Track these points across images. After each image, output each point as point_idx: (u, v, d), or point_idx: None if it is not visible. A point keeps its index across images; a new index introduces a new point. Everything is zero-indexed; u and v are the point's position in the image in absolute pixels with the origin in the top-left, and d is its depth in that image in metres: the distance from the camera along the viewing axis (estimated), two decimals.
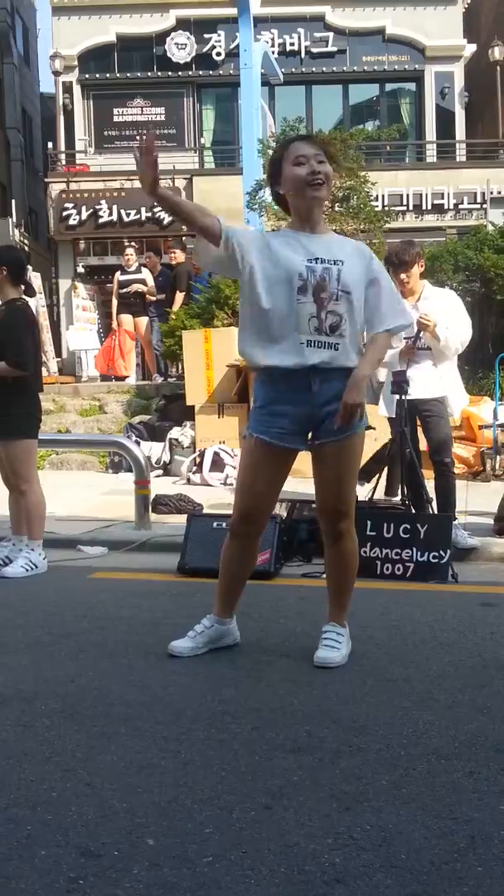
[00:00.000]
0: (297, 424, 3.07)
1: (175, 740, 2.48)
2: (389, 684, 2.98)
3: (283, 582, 4.74)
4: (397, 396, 5.19)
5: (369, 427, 3.27)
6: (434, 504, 5.24)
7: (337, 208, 12.08)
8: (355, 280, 3.04)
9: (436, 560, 4.74)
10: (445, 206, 19.12)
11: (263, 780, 2.23)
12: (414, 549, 4.78)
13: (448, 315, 5.25)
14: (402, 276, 5.23)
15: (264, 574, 4.71)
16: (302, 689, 2.92)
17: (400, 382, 5.19)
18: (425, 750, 2.41)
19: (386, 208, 14.58)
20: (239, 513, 3.19)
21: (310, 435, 3.12)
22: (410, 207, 18.94)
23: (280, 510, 5.42)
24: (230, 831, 1.96)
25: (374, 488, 5.44)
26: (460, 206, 19.14)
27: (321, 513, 3.23)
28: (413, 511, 5.20)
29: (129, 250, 12.99)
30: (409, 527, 4.83)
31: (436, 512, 5.20)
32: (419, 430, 5.44)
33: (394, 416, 5.31)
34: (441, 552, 4.74)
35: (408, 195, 18.90)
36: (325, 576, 3.45)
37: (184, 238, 17.69)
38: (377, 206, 13.60)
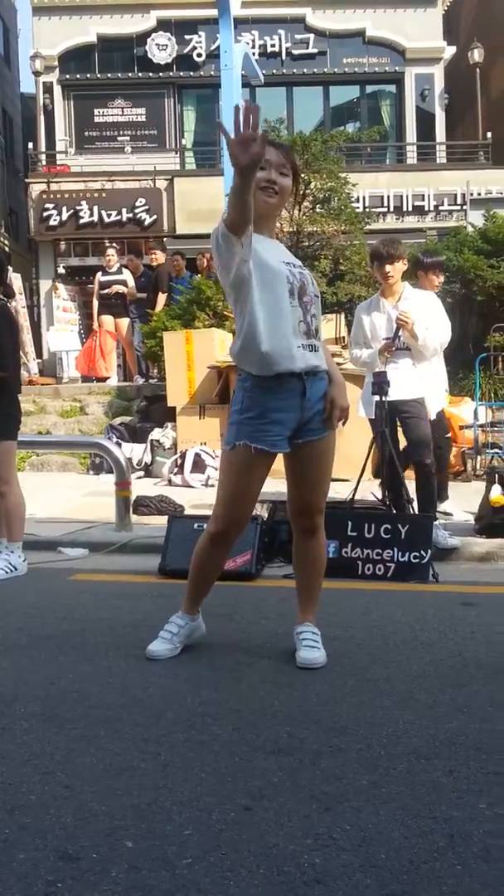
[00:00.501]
0: (288, 429, 3.05)
1: (155, 742, 2.47)
2: (370, 684, 2.98)
3: (265, 583, 4.74)
4: (377, 397, 5.20)
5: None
6: (414, 504, 5.26)
7: (318, 210, 12.13)
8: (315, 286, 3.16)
9: (416, 560, 4.75)
10: (426, 208, 19.22)
11: (243, 781, 2.22)
12: (395, 550, 4.79)
13: (427, 315, 5.27)
14: (388, 268, 5.24)
15: (245, 575, 4.71)
16: (282, 690, 2.92)
17: (381, 383, 5.20)
18: (405, 749, 2.41)
19: (366, 210, 14.66)
20: (228, 522, 3.13)
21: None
22: (391, 209, 19.03)
23: (261, 511, 5.41)
24: (210, 833, 1.96)
25: (355, 489, 5.45)
26: (440, 208, 19.24)
27: (297, 511, 3.22)
28: (394, 511, 5.22)
29: (111, 251, 12.97)
30: (389, 527, 4.84)
31: (416, 512, 5.21)
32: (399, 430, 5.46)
33: (373, 418, 5.31)
34: (422, 552, 4.75)
35: (388, 197, 18.99)
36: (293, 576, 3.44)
37: (164, 239, 17.72)
38: (358, 208, 13.64)
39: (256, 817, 2.03)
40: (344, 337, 9.62)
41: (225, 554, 3.28)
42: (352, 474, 6.42)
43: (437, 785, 2.20)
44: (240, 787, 2.19)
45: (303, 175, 11.91)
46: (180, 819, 2.02)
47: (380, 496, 5.42)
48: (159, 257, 12.57)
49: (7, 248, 20.73)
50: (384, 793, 2.16)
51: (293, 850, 1.89)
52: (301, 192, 12.03)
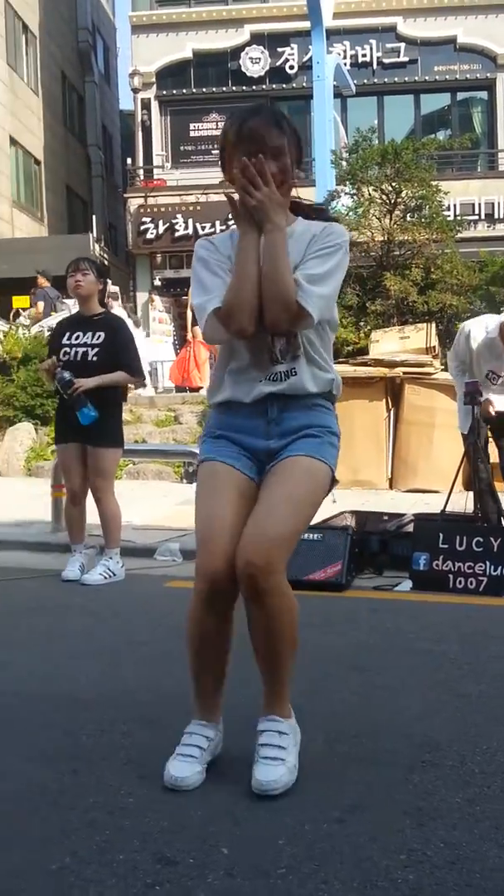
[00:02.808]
0: (248, 450, 2.40)
1: (249, 750, 2.49)
2: (463, 699, 2.95)
3: (355, 594, 4.74)
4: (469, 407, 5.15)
5: (335, 481, 2.46)
6: None
7: (409, 218, 12.04)
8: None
9: None
10: None
11: (336, 793, 2.24)
12: (487, 563, 4.72)
13: None
14: None
15: (336, 586, 4.72)
16: (374, 703, 2.92)
17: (472, 393, 5.15)
18: (500, 767, 2.39)
19: (458, 218, 14.45)
20: (204, 561, 2.30)
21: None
22: (482, 216, 18.73)
23: (350, 522, 5.42)
24: (303, 843, 1.98)
25: (447, 501, 5.40)
26: None
27: (237, 553, 2.22)
28: (486, 524, 5.15)
29: None
30: (481, 540, 4.78)
31: None
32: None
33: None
34: None
35: (479, 204, 18.72)
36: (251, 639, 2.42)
37: None
38: (449, 216, 13.49)
39: (349, 830, 2.05)
40: (434, 346, 9.52)
41: (217, 621, 2.36)
42: (443, 486, 6.37)
43: None
44: (332, 799, 2.20)
45: (394, 183, 11.85)
46: (274, 828, 2.05)
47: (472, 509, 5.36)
48: None
49: (106, 262, 21.22)
50: (478, 811, 2.14)
51: (386, 864, 1.90)
52: (392, 201, 11.97)
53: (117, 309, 15.04)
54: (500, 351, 5.22)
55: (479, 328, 5.35)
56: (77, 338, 5.00)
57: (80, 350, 4.95)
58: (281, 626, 2.28)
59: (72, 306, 14.11)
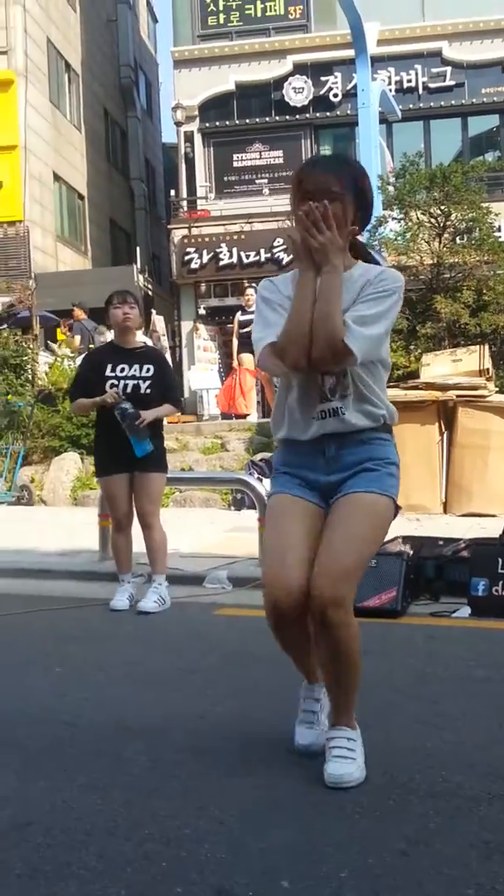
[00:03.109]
0: (312, 483, 2.58)
1: (305, 781, 2.43)
2: None
3: (411, 621, 4.63)
4: None
5: (398, 507, 2.60)
6: None
7: (459, 241, 11.96)
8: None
9: None
10: None
11: (398, 825, 2.16)
12: None
13: None
14: None
15: (391, 612, 4.62)
16: (433, 731, 2.83)
17: None
18: None
19: None
20: (271, 587, 2.47)
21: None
22: None
23: (405, 547, 5.32)
24: (366, 876, 1.90)
25: None
26: None
27: (311, 588, 2.39)
28: None
29: (250, 291, 13.21)
30: None
31: None
32: None
33: None
34: None
35: None
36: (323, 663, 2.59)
37: None
38: (500, 237, 13.36)
39: (413, 863, 1.97)
40: (488, 369, 9.39)
41: (295, 631, 2.53)
42: (499, 509, 6.26)
43: None
44: (395, 830, 2.12)
45: (443, 207, 11.79)
46: (335, 861, 1.97)
47: None
48: None
49: (150, 292, 21.47)
50: None
51: None
52: (442, 224, 11.91)
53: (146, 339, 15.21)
54: None
55: None
56: (122, 370, 5.03)
57: (131, 383, 5.00)
58: (347, 652, 2.44)
59: (109, 337, 14.29)
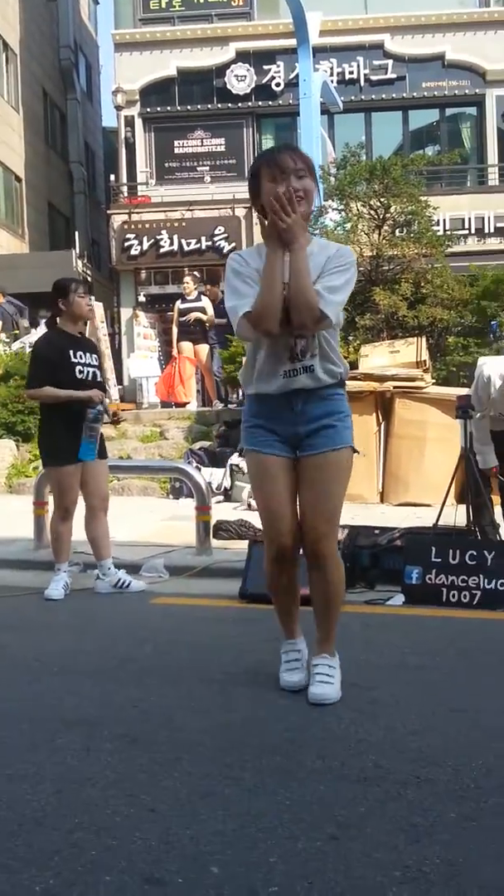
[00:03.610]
0: (282, 437, 3.04)
1: (239, 768, 2.44)
2: (458, 715, 2.90)
3: (346, 609, 4.62)
4: (461, 420, 5.12)
5: (356, 450, 3.10)
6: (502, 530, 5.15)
7: (398, 234, 12.08)
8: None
9: None
10: None
11: (329, 810, 2.18)
12: (481, 577, 4.68)
13: None
14: None
15: None
16: (367, 718, 2.86)
17: (465, 407, 5.12)
18: (497, 783, 2.33)
19: (447, 232, 14.50)
20: (271, 535, 3.07)
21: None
22: (472, 231, 18.82)
23: (341, 536, 5.36)
24: (296, 861, 1.92)
25: (439, 514, 5.36)
26: None
27: (303, 534, 3.04)
28: (480, 537, 5.11)
29: (188, 279, 13.14)
30: (475, 553, 4.73)
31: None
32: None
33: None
34: None
35: (470, 219, 18.81)
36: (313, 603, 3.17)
37: None
38: (439, 231, 13.53)
39: (343, 847, 1.99)
40: (425, 361, 9.51)
41: (288, 574, 3.13)
42: (434, 500, 6.33)
43: None
44: (326, 815, 2.15)
45: (382, 199, 11.89)
46: (266, 846, 1.99)
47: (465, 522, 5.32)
48: None
49: (89, 278, 21.21)
50: (475, 826, 2.09)
51: (381, 881, 1.84)
52: (381, 217, 12.00)
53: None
54: None
55: (496, 375, 5.27)
56: (81, 357, 5.05)
57: (90, 371, 5.07)
58: (335, 581, 3.05)
59: (24, 324, 14.07)
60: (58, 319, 5.14)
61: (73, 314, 5.07)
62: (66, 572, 5.10)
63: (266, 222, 2.92)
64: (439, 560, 4.77)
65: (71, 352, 5.00)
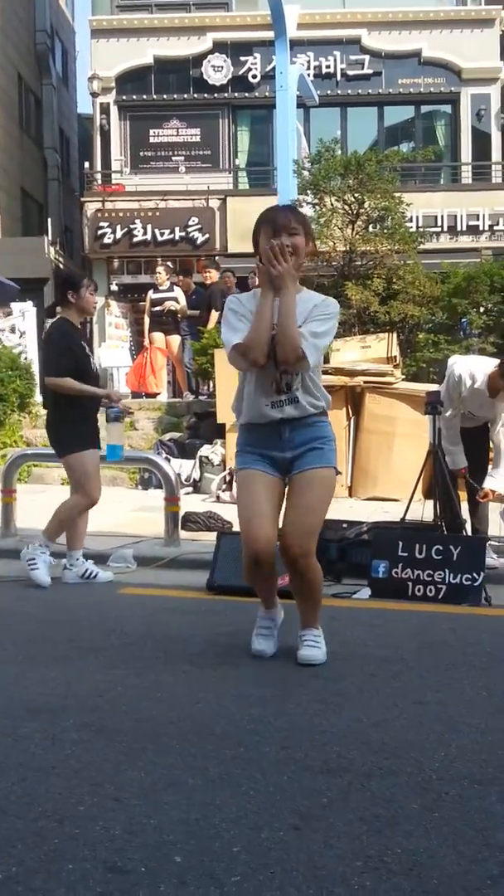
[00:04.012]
0: (272, 460, 3.37)
1: (203, 758, 2.45)
2: (421, 707, 2.93)
3: None
4: (430, 417, 5.16)
5: (338, 472, 3.46)
6: (468, 526, 5.20)
7: (371, 229, 12.11)
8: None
9: (469, 582, 4.68)
10: (481, 228, 19.11)
11: (292, 800, 2.19)
12: (446, 571, 4.72)
13: None
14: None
15: (290, 594, 4.67)
16: (331, 709, 2.89)
17: (433, 403, 5.16)
18: (458, 775, 2.37)
19: (420, 229, 14.57)
20: (248, 542, 3.30)
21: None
22: (445, 229, 18.94)
23: None
24: (258, 851, 1.93)
25: (407, 509, 5.40)
26: (496, 228, 19.13)
27: (282, 545, 3.28)
28: (446, 532, 5.16)
29: (160, 269, 13.07)
30: (441, 548, 4.78)
31: (469, 534, 5.15)
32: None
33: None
34: (474, 574, 4.68)
35: (442, 216, 18.92)
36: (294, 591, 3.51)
37: (217, 258, 17.85)
38: (411, 228, 13.59)
39: (305, 837, 2.01)
40: (395, 356, 9.56)
41: (267, 572, 3.38)
42: (402, 494, 6.38)
43: (491, 812, 2.15)
44: (288, 806, 2.16)
45: (356, 194, 11.91)
46: (229, 836, 2.00)
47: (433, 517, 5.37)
48: (212, 275, 12.64)
49: (61, 266, 21.03)
50: (436, 818, 2.11)
51: (343, 871, 1.86)
52: (355, 212, 12.03)
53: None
54: (482, 401, 5.24)
55: (467, 375, 5.32)
56: (86, 349, 5.20)
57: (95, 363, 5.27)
58: (313, 586, 3.39)
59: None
60: (59, 309, 5.18)
61: (81, 308, 5.14)
62: (80, 560, 5.17)
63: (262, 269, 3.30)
64: (406, 554, 4.81)
65: (83, 343, 5.14)
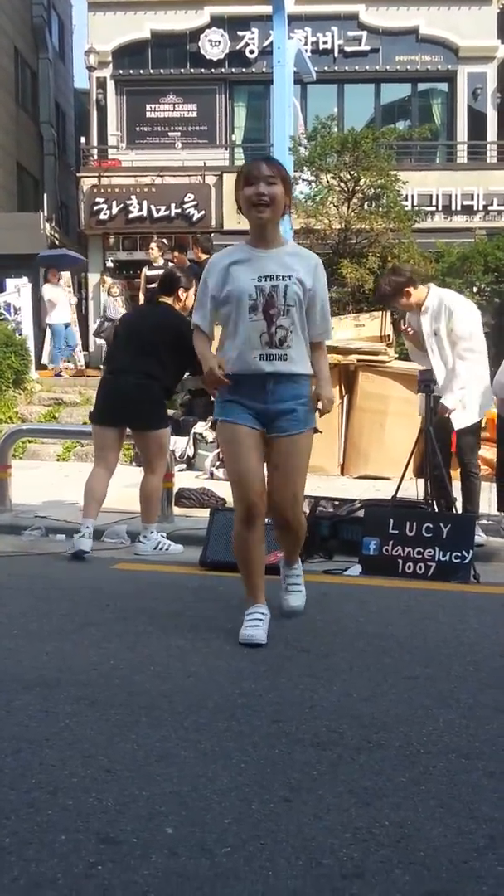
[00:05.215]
0: (253, 411, 3.45)
1: (195, 731, 2.48)
2: (410, 682, 2.96)
3: (305, 578, 4.71)
4: (422, 395, 5.17)
5: (316, 430, 3.57)
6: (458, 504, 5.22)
7: (367, 207, 12.07)
8: (300, 293, 3.39)
9: (458, 560, 4.71)
10: (475, 207, 19.03)
11: (283, 773, 2.23)
12: (436, 549, 4.75)
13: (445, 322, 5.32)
14: (395, 306, 5.59)
15: None
16: (322, 684, 2.92)
17: (426, 381, 5.17)
18: (445, 748, 2.40)
19: (415, 208, 14.52)
20: (240, 498, 3.44)
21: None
22: (439, 208, 18.86)
23: (305, 508, 5.41)
24: (249, 822, 1.97)
25: (398, 487, 5.42)
26: (490, 208, 19.05)
27: (270, 504, 3.50)
28: (436, 510, 5.19)
29: (154, 245, 12.99)
30: (431, 526, 4.81)
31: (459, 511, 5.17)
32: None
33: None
34: (464, 552, 4.71)
35: (437, 195, 18.83)
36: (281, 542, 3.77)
37: (212, 235, 17.75)
38: (407, 206, 13.53)
39: (295, 809, 2.04)
40: (389, 335, 9.55)
41: (255, 535, 3.45)
42: (394, 473, 6.41)
43: (478, 785, 2.18)
44: (279, 778, 2.19)
45: (352, 172, 11.86)
46: (220, 808, 2.03)
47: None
48: (201, 256, 12.56)
49: (57, 242, 20.92)
50: (423, 790, 2.15)
51: (332, 843, 1.89)
52: (351, 189, 11.98)
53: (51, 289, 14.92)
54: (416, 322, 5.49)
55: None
56: None
57: None
58: (299, 537, 3.67)
59: None
60: (161, 299, 5.45)
61: (184, 306, 5.40)
62: (154, 534, 5.39)
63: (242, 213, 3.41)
64: (396, 532, 4.84)
65: None
